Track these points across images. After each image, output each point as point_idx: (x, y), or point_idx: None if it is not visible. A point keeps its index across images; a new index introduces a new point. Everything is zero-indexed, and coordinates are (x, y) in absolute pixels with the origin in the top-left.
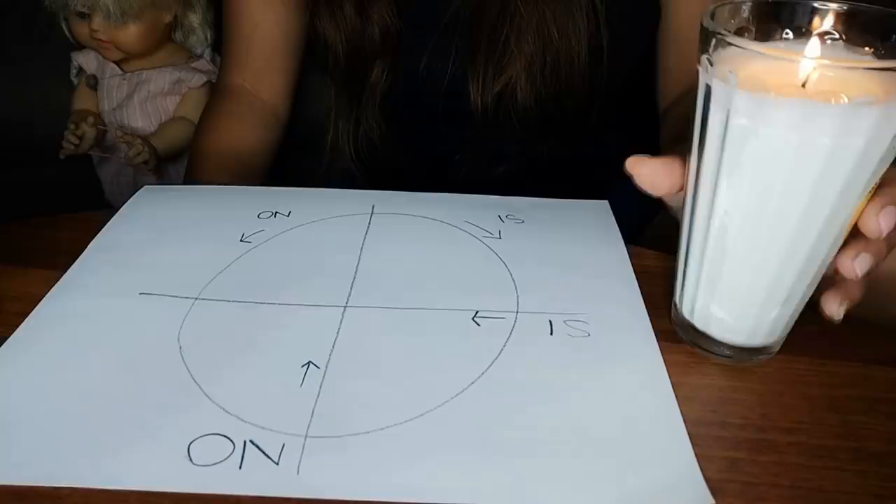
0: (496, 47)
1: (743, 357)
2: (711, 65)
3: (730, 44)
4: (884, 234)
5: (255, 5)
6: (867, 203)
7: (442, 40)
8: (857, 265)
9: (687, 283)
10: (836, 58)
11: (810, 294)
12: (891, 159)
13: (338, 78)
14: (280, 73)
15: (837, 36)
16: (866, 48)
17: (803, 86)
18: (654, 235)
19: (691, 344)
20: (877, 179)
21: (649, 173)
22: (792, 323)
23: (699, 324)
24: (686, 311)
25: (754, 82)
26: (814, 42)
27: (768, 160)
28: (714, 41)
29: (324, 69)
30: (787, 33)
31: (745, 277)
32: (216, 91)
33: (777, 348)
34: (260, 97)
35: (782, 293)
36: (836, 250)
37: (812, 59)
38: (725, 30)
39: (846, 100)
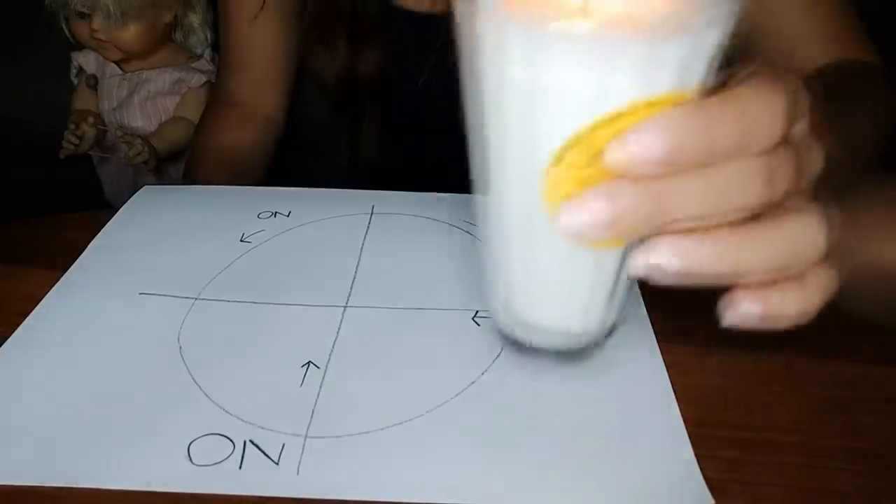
0: None
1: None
2: None
3: None
4: (620, 164)
5: (249, 18)
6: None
7: (440, 56)
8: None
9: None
10: None
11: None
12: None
13: (333, 100)
14: (276, 82)
15: None
16: None
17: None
18: None
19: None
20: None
21: None
22: (598, 317)
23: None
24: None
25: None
26: None
27: (489, 92)
28: None
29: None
30: None
31: (505, 248)
32: (213, 98)
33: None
34: (256, 104)
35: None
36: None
37: None
38: None
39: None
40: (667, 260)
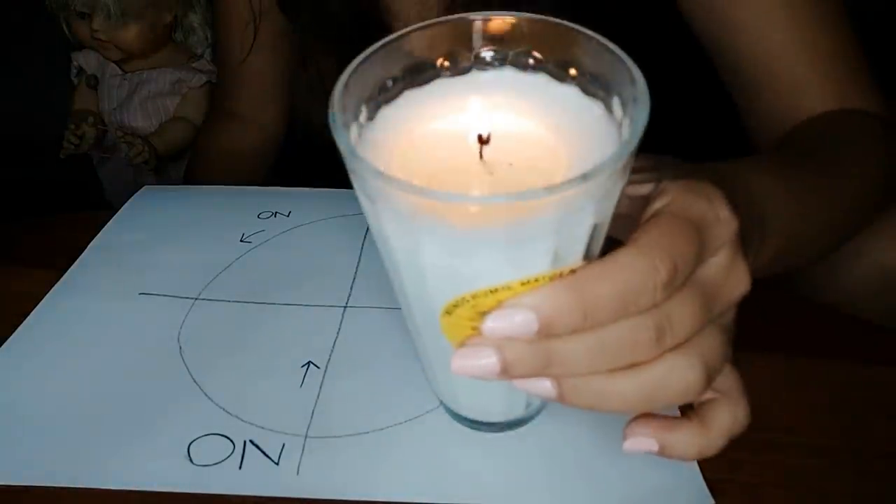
0: None
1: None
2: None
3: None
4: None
5: (243, 48)
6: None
7: None
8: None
9: None
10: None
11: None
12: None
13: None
14: (274, 98)
15: (537, 57)
16: (571, 70)
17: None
18: None
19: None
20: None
21: None
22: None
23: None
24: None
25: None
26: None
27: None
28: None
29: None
30: (476, 57)
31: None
32: (214, 111)
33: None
34: (256, 118)
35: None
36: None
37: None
38: (349, 146)
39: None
40: (546, 388)
